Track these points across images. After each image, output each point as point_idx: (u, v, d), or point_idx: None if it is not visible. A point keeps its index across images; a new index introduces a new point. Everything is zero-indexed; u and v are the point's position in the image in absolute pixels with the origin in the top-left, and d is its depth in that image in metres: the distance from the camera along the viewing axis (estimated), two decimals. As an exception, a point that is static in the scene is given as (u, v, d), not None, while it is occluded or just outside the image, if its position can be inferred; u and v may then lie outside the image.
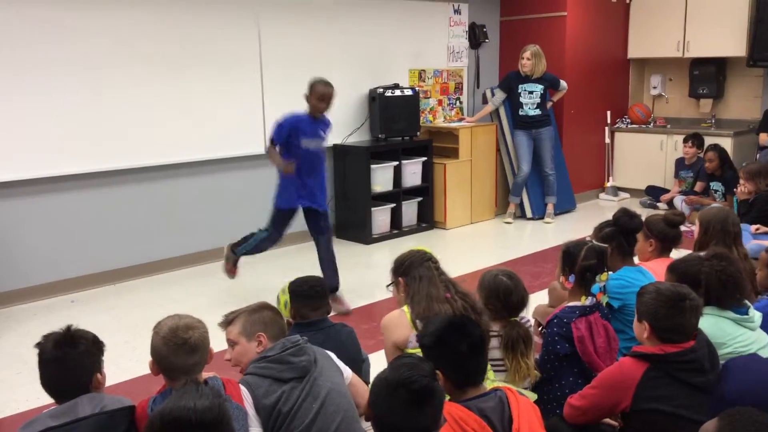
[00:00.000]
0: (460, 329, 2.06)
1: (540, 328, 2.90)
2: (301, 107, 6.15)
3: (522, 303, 2.74)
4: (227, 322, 2.49)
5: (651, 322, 2.25)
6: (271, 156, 4.61)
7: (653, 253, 3.42)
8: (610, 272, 3.02)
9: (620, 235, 3.18)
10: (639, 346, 2.33)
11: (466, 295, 2.78)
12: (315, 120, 4.56)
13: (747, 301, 2.65)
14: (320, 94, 4.49)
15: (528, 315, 2.90)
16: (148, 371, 2.20)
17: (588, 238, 3.26)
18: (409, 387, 1.75)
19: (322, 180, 4.68)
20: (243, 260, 4.83)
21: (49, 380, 2.06)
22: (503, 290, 2.71)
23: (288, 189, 4.60)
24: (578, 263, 2.73)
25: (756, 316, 2.63)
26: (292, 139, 4.50)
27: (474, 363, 2.05)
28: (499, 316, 2.70)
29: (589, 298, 2.71)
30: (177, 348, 2.06)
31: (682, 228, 3.40)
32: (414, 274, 2.75)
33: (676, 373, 2.19)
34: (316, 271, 4.44)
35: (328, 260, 4.68)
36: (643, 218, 3.46)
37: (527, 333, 2.66)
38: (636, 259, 3.38)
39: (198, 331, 2.12)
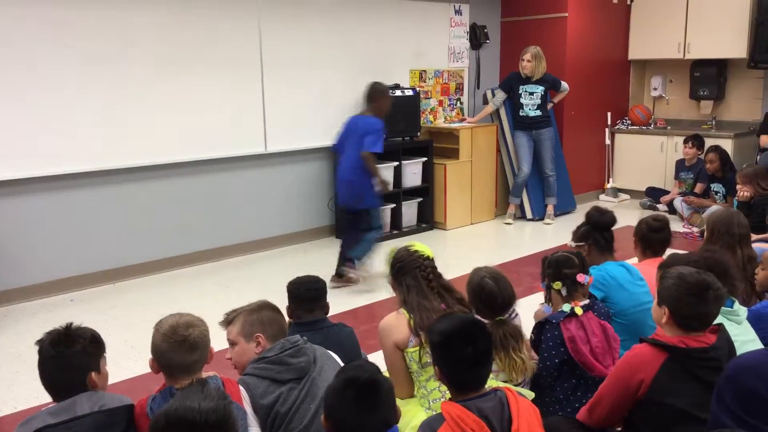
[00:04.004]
0: (468, 336, 1.99)
1: (531, 335, 2.87)
2: (301, 106, 6.19)
3: (508, 304, 2.70)
4: (227, 322, 2.49)
5: (672, 308, 2.22)
6: (375, 169, 4.98)
7: (639, 256, 3.48)
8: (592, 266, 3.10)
9: (594, 231, 3.30)
10: (657, 333, 2.29)
11: (461, 300, 2.76)
12: None
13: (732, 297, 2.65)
14: (390, 100, 5.22)
15: (518, 309, 2.85)
16: (148, 370, 2.21)
17: (569, 243, 3.32)
18: (354, 384, 1.79)
19: None
20: (247, 258, 4.77)
21: (46, 378, 2.06)
22: (486, 294, 2.67)
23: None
24: (561, 272, 2.76)
25: (741, 310, 2.63)
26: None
27: (473, 373, 1.99)
28: (484, 316, 2.65)
29: (564, 305, 2.72)
30: (177, 345, 2.07)
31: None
32: (401, 281, 2.72)
33: (695, 369, 2.16)
34: (319, 269, 4.41)
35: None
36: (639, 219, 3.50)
37: (515, 328, 2.65)
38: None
39: (198, 329, 2.12)
